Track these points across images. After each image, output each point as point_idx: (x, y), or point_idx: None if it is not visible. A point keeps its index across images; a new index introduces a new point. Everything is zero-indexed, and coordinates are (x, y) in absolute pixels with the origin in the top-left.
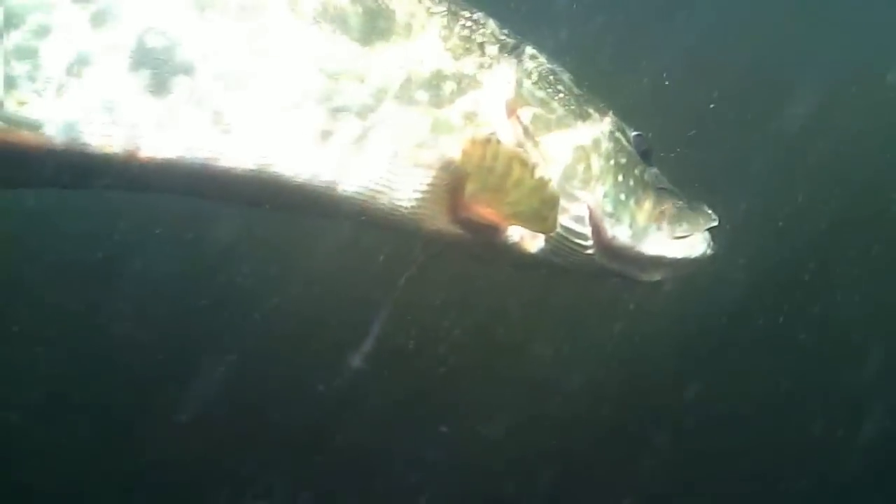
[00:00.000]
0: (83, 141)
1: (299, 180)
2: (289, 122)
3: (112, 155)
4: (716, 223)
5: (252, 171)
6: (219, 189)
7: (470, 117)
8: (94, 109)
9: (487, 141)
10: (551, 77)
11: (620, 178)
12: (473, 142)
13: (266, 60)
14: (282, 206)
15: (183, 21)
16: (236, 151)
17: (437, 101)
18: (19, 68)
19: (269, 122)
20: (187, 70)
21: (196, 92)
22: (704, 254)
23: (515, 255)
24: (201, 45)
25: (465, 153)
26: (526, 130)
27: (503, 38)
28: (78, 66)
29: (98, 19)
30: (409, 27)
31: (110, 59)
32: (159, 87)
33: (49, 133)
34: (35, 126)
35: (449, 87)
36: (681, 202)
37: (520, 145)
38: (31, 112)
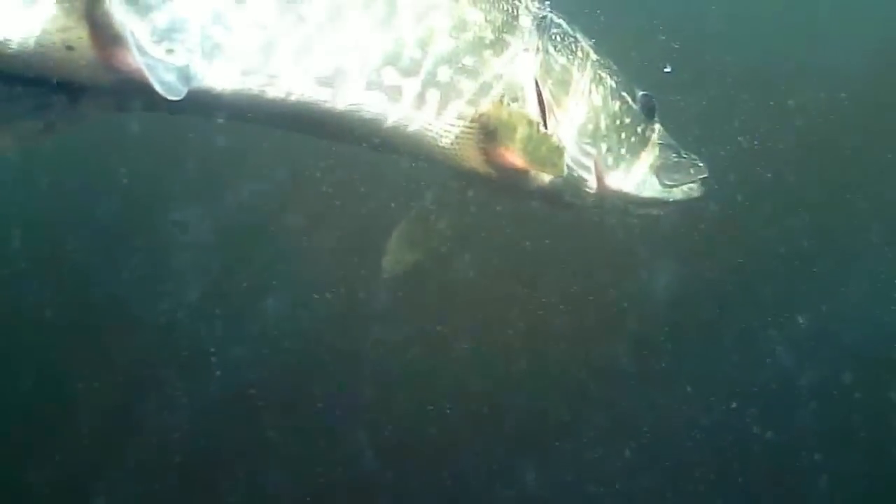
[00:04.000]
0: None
1: (373, 123)
2: (369, 79)
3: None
4: (706, 174)
5: (345, 112)
6: (315, 125)
7: (504, 80)
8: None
9: (501, 103)
10: (572, 45)
11: (623, 135)
12: (494, 104)
13: (360, 33)
14: (361, 141)
15: None
16: (335, 98)
17: (479, 67)
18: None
19: (358, 77)
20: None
21: (303, 57)
22: (692, 198)
23: (535, 192)
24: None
25: (489, 113)
26: (549, 91)
27: (535, 9)
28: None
29: None
30: (458, 2)
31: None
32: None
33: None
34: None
35: (489, 54)
36: (676, 155)
37: (543, 104)
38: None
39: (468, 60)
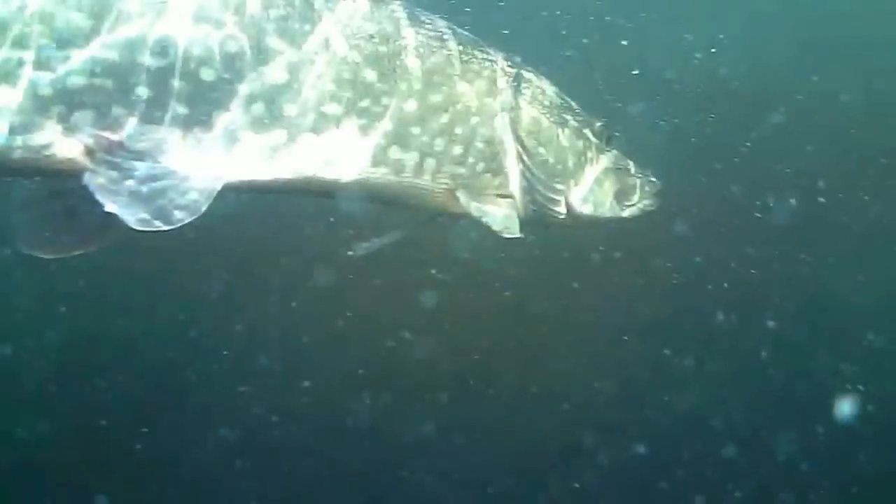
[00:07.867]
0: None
1: (374, 188)
2: (379, 153)
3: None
4: (659, 187)
5: (350, 184)
6: (321, 193)
7: (488, 141)
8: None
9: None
10: (539, 95)
11: (587, 169)
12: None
13: (370, 122)
14: (374, 200)
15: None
16: (344, 177)
17: (467, 133)
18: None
19: (368, 153)
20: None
21: (330, 148)
22: (646, 211)
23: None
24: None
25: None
26: (521, 142)
27: (508, 69)
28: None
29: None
30: (450, 79)
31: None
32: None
33: None
34: None
35: (474, 120)
36: (631, 177)
37: (517, 152)
38: None
39: (459, 129)
